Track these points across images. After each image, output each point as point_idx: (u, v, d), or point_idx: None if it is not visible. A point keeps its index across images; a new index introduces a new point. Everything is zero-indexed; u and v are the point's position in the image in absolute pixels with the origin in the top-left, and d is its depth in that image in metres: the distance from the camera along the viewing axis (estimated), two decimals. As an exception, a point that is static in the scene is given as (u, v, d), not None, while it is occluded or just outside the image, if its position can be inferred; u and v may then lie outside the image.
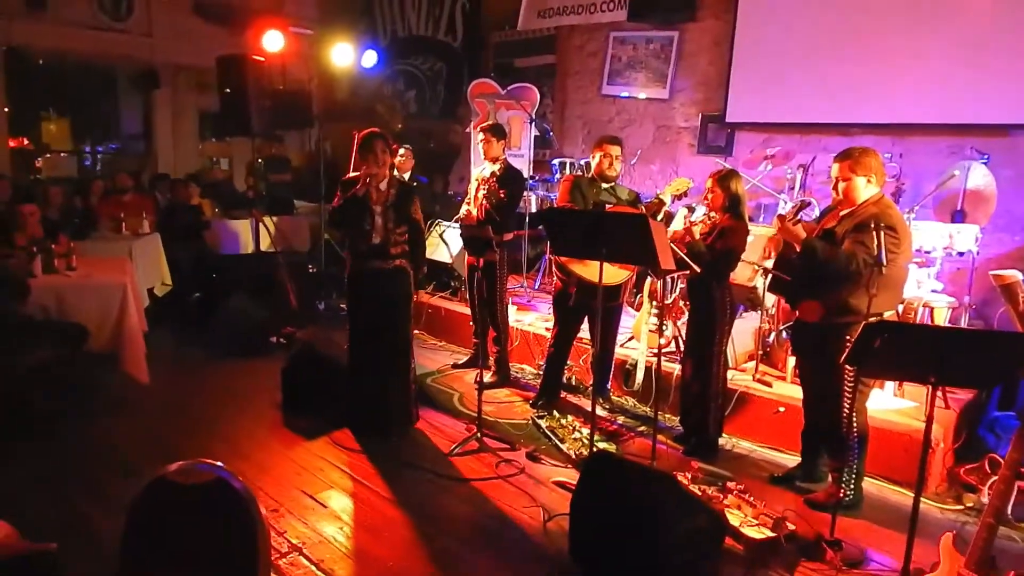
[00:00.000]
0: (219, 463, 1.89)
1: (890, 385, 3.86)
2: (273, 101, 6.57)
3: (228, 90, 6.15)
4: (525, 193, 5.69)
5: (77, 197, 6.77)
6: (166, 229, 6.36)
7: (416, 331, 5.65)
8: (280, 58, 7.34)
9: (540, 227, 6.74)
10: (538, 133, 7.11)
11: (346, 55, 7.34)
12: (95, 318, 4.01)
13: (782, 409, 3.79)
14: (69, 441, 3.61)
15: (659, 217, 3.69)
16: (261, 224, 6.29)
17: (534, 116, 6.68)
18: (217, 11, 9.16)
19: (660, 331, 3.75)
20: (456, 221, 5.51)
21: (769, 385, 4.03)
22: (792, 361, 4.03)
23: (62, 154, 10.20)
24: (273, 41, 6.59)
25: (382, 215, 3.56)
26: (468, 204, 4.71)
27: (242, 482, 1.86)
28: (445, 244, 5.92)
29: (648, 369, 4.22)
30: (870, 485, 3.31)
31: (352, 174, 3.81)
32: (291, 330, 5.37)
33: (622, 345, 4.56)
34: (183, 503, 1.76)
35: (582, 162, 6.33)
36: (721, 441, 3.80)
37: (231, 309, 5.36)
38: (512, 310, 5.19)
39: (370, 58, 7.56)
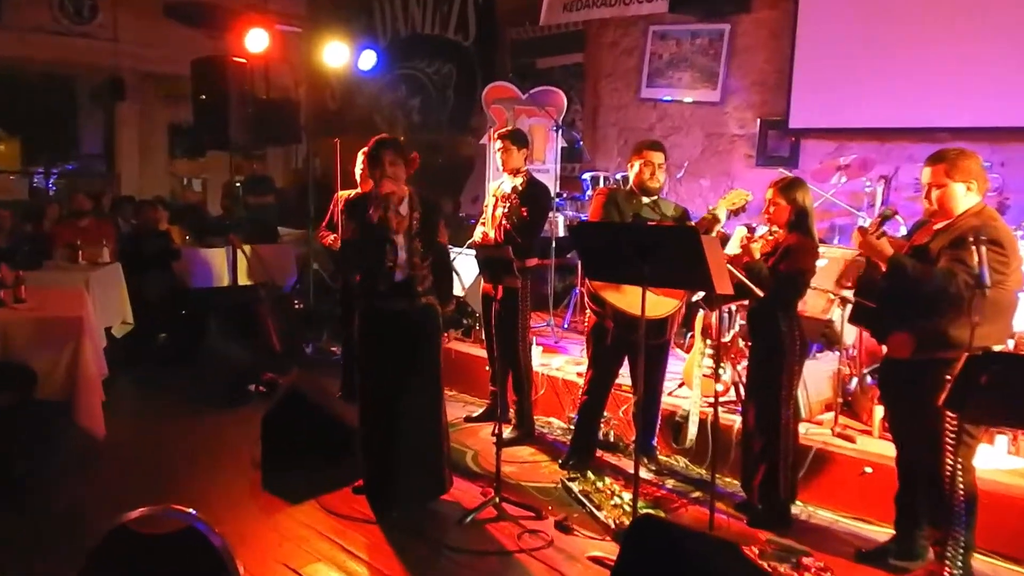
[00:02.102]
0: (191, 510, 1.88)
1: (1002, 439, 3.77)
2: (255, 110, 6.77)
3: (204, 97, 6.34)
4: (551, 214, 5.73)
5: (28, 223, 6.96)
6: (129, 258, 6.49)
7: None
8: (264, 60, 7.57)
9: (569, 255, 6.83)
10: (566, 144, 7.20)
11: (340, 56, 7.54)
12: (45, 360, 4.07)
13: (869, 470, 3.71)
14: (11, 505, 3.63)
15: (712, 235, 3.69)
16: (240, 252, 6.39)
17: (561, 124, 6.78)
18: (191, 11, 9.49)
19: (716, 376, 3.69)
20: (469, 246, 5.56)
21: (852, 441, 3.95)
22: (880, 411, 3.96)
23: (11, 176, 10.52)
24: (256, 40, 6.79)
25: (406, 247, 3.52)
26: (484, 224, 4.76)
27: (220, 536, 1.84)
28: (456, 274, 5.95)
29: (702, 422, 4.18)
30: (981, 563, 3.21)
31: (352, 192, 3.86)
32: (273, 376, 5.41)
33: (670, 393, 4.52)
34: (148, 557, 1.73)
35: (618, 176, 6.39)
36: (795, 510, 3.71)
37: (204, 352, 5.41)
38: (536, 352, 5.19)
39: (368, 60, 7.76)
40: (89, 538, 3.11)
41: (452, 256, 6.01)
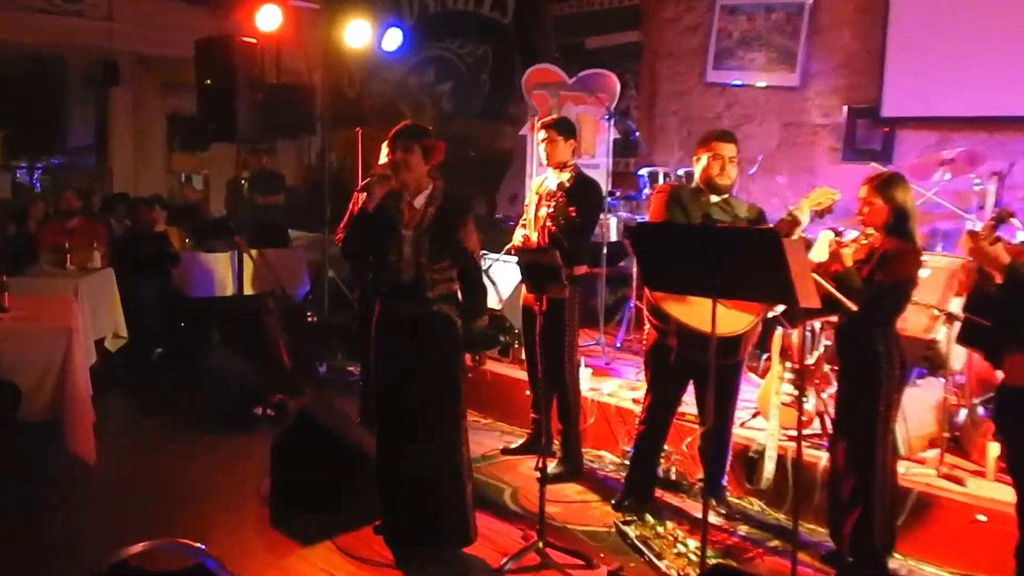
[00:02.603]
0: (199, 544, 1.90)
1: None
2: (264, 98, 6.89)
3: (208, 82, 6.47)
4: (602, 215, 5.74)
5: (11, 223, 7.16)
6: (122, 263, 6.63)
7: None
8: (275, 41, 7.71)
9: (622, 262, 6.80)
10: (619, 135, 7.20)
11: (361, 36, 7.64)
12: (31, 375, 4.17)
13: (982, 518, 3.62)
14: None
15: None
16: (246, 258, 6.49)
17: (613, 112, 6.79)
18: (195, -15, 9.72)
19: (798, 404, 3.64)
20: (508, 252, 5.58)
21: (961, 483, 3.87)
22: (995, 448, 3.87)
23: (-7, 171, 10.84)
24: (268, 18, 6.91)
25: (412, 243, 3.56)
26: (524, 227, 4.77)
27: (232, 574, 1.85)
28: (492, 284, 5.98)
29: (781, 458, 4.12)
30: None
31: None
32: (283, 398, 5.46)
33: (743, 424, 4.48)
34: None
35: (680, 172, 6.38)
36: (892, 563, 3.64)
37: (204, 370, 5.49)
38: (585, 375, 5.17)
39: (392, 40, 7.85)
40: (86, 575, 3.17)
41: (487, 263, 6.08)
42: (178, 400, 5.71)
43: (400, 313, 3.60)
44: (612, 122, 6.68)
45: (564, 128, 4.66)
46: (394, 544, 3.68)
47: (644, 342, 4.28)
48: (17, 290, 4.90)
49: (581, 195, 4.56)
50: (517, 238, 4.82)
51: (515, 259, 5.57)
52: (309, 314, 7.22)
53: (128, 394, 5.85)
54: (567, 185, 4.58)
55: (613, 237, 6.30)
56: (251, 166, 9.04)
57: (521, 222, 4.88)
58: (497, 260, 6.07)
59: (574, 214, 4.48)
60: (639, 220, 6.36)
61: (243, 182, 8.46)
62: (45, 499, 4.14)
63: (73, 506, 4.11)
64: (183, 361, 6.35)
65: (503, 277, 6.00)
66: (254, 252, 6.99)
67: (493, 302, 5.97)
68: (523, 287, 4.73)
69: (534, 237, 4.63)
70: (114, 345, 6.20)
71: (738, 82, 7.32)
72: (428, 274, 3.57)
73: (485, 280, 5.92)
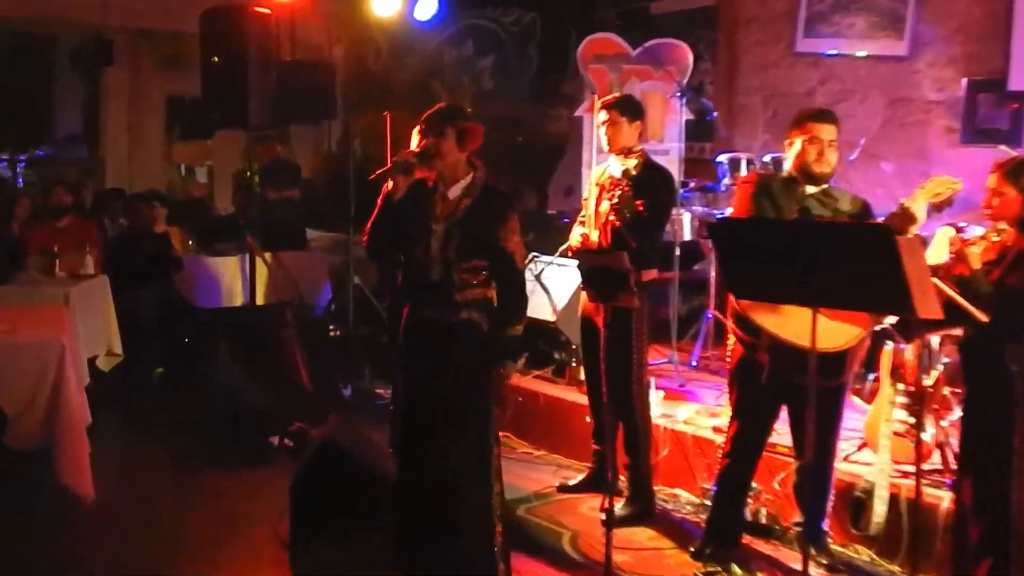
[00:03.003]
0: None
1: None
2: (279, 77, 6.99)
3: (215, 60, 6.57)
4: (674, 210, 5.73)
5: (-7, 222, 7.33)
6: (118, 269, 6.75)
7: (500, 432, 5.66)
8: (290, 11, 7.82)
9: (698, 265, 6.75)
10: (692, 116, 7.18)
11: (389, 4, 7.70)
12: (17, 397, 4.25)
13: None
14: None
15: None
16: (258, 262, 6.57)
17: (685, 89, 6.75)
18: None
19: (914, 435, 3.59)
20: (564, 253, 5.59)
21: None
22: None
23: (-29, 163, 11.12)
24: (284, -16, 7.02)
25: (441, 237, 3.63)
26: (583, 224, 4.77)
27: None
28: (545, 292, 6.00)
29: (893, 498, 4.06)
30: None
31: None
32: (303, 426, 5.51)
33: (847, 458, 4.41)
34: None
35: (766, 159, 6.34)
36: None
37: (212, 392, 5.56)
38: (657, 398, 5.14)
39: (426, 7, 7.91)
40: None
41: (538, 267, 6.09)
42: (182, 428, 5.76)
43: (425, 315, 3.69)
44: (684, 100, 6.66)
45: (628, 108, 4.64)
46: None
47: (727, 359, 4.24)
48: (0, 299, 5.01)
49: (650, 185, 4.53)
50: (575, 238, 4.81)
51: (573, 262, 5.62)
52: (332, 327, 7.28)
53: (125, 421, 5.93)
54: (633, 173, 4.56)
55: (687, 236, 6.25)
56: (262, 156, 9.13)
57: (579, 219, 4.87)
58: (551, 264, 6.07)
59: (642, 208, 4.45)
60: (719, 215, 6.32)
61: (253, 175, 8.56)
62: (34, 539, 4.21)
63: (66, 548, 4.17)
64: (187, 382, 6.43)
65: (558, 284, 6.00)
66: (267, 255, 7.09)
67: (547, 313, 5.99)
68: (582, 295, 4.71)
69: (595, 236, 4.61)
70: (108, 364, 6.28)
71: (834, 51, 7.25)
72: (456, 273, 3.61)
73: (536, 287, 6.07)
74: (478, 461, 3.67)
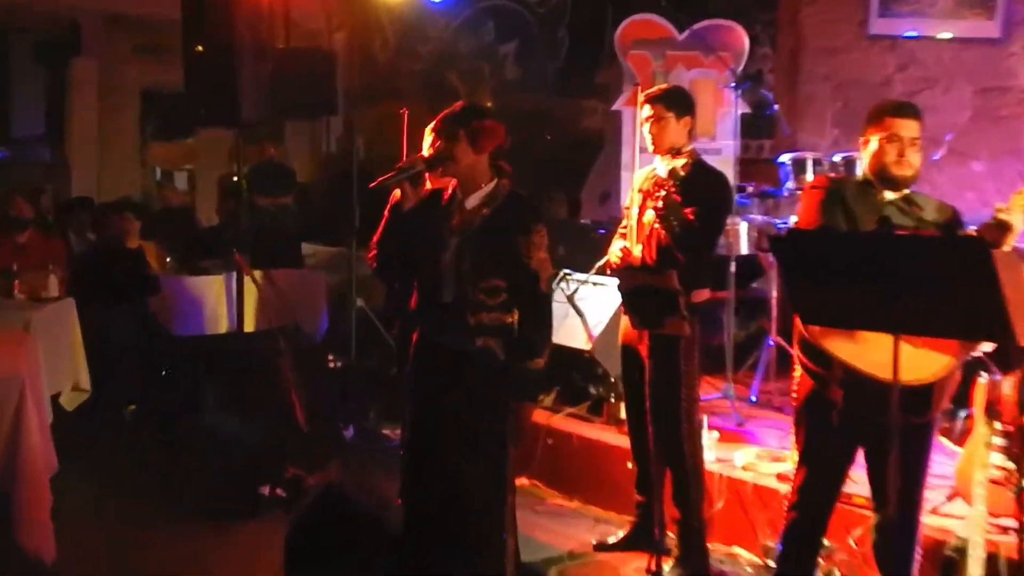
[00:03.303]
0: None
1: None
2: (273, 68, 7.02)
3: (199, 48, 6.61)
4: (730, 220, 5.70)
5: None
6: (85, 291, 6.77)
7: (526, 478, 5.67)
8: (284, -7, 7.88)
9: (755, 283, 6.71)
10: (749, 109, 7.17)
11: (398, -17, 7.76)
12: (-30, 440, 4.25)
13: None
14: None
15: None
16: (249, 280, 6.59)
17: (741, 78, 6.73)
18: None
19: (1015, 482, 3.55)
20: (601, 270, 5.57)
21: None
22: None
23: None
24: (277, -37, 7.08)
25: (455, 251, 3.70)
26: (624, 237, 4.75)
27: None
28: (578, 316, 5.99)
29: (991, 558, 3.97)
30: None
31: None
32: (298, 473, 5.51)
33: (935, 510, 4.36)
34: None
35: (837, 159, 6.31)
36: None
37: (195, 434, 5.56)
38: (710, 440, 5.11)
39: (440, -14, 7.97)
40: None
41: (571, 287, 6.07)
42: (159, 476, 5.74)
43: (437, 338, 3.77)
44: (739, 91, 6.62)
45: (676, 101, 4.61)
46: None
47: (793, 394, 4.19)
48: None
49: (702, 190, 4.49)
50: (614, 253, 4.77)
51: (612, 281, 5.60)
52: (331, 358, 7.29)
53: (92, 468, 5.89)
54: (681, 174, 4.52)
55: (744, 249, 6.20)
56: (252, 158, 9.18)
57: (619, 230, 4.84)
58: (585, 283, 6.06)
59: (692, 217, 4.43)
60: (781, 225, 6.28)
61: (241, 180, 8.60)
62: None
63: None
64: (166, 423, 6.42)
65: (594, 306, 5.99)
66: (258, 274, 7.09)
67: (580, 341, 5.98)
68: (623, 320, 4.69)
69: (638, 251, 4.57)
70: (73, 401, 6.24)
71: (914, 33, 7.24)
72: (472, 292, 3.66)
73: (569, 311, 6.05)
74: (495, 503, 3.74)
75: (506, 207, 3.73)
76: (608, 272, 5.16)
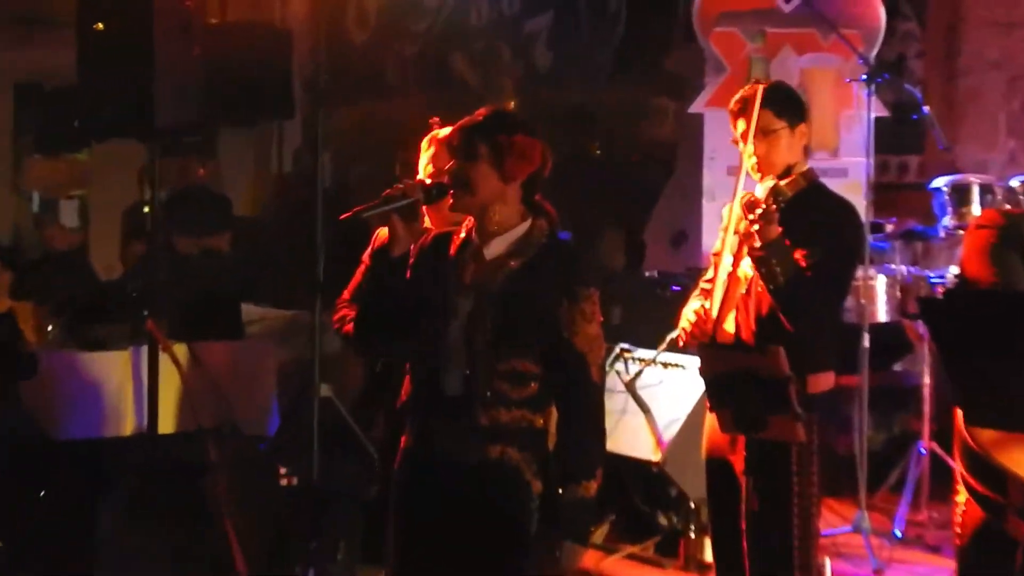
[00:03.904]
0: None
1: None
2: (204, 53, 7.07)
3: (99, 26, 6.67)
4: (860, 271, 5.72)
5: None
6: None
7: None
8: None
9: (899, 365, 6.68)
10: (885, 112, 7.20)
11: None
12: None
13: None
14: None
15: None
16: (163, 359, 6.62)
17: (875, 66, 6.75)
18: None
19: None
20: (675, 345, 5.56)
21: None
22: None
23: None
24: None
25: (467, 319, 3.67)
26: (707, 294, 4.73)
27: None
28: (643, 413, 5.99)
29: None
30: None
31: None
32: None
33: None
34: None
35: (1015, 183, 6.33)
36: None
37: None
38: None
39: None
40: None
41: (630, 370, 6.06)
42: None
43: (436, 447, 3.72)
44: (873, 86, 6.64)
45: (787, 104, 4.60)
46: None
47: (956, 528, 4.18)
48: None
49: (819, 225, 4.50)
50: (687, 318, 4.76)
51: (691, 361, 5.58)
52: (284, 471, 7.29)
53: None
54: (788, 194, 4.51)
55: (882, 315, 6.21)
56: (172, 182, 9.25)
57: (701, 286, 4.86)
58: (652, 363, 6.09)
59: (805, 261, 4.41)
60: (937, 280, 6.27)
61: (155, 213, 8.65)
62: None
63: None
64: (46, 565, 6.44)
65: (665, 399, 6.04)
66: (179, 349, 7.12)
67: (645, 449, 5.99)
68: (708, 419, 4.67)
69: (731, 320, 4.57)
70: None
71: None
72: (490, 379, 3.61)
73: (628, 405, 6.03)
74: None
75: (543, 259, 3.68)
76: (681, 344, 5.10)
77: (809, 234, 4.42)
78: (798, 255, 4.34)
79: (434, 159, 4.38)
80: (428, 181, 3.72)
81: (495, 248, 3.69)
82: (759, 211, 4.26)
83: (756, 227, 4.24)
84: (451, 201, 3.67)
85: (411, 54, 10.63)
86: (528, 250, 3.68)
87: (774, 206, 4.30)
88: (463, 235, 3.71)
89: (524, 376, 3.64)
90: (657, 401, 6.01)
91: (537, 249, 3.69)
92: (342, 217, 3.66)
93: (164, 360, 6.75)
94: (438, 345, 3.68)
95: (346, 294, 5.16)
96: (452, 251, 3.72)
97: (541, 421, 3.67)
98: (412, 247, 3.71)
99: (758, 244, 4.32)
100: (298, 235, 7.86)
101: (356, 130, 9.34)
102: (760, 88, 4.58)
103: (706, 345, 4.54)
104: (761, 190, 4.58)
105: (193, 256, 8.91)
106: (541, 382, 3.65)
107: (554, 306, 3.65)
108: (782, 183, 4.53)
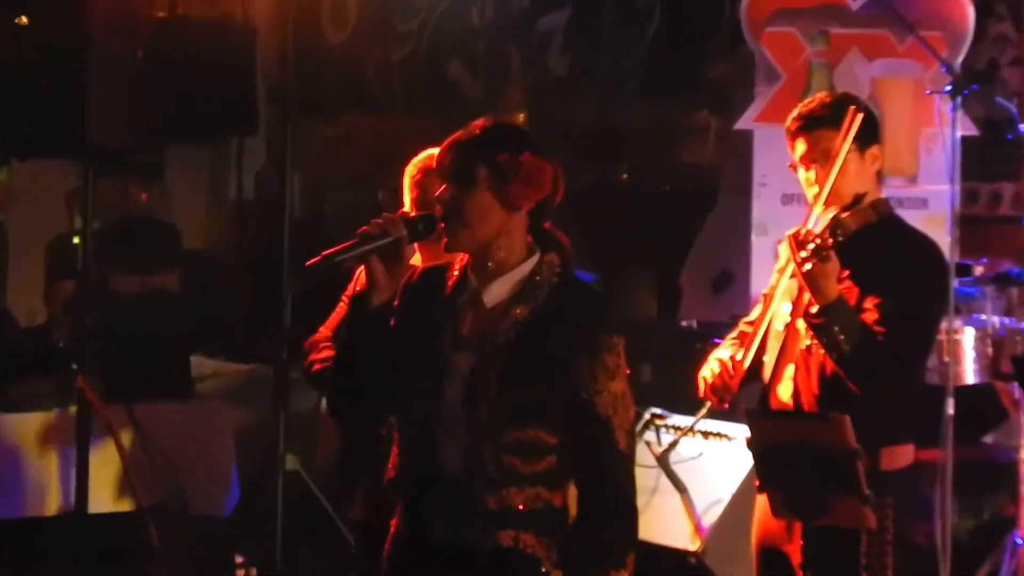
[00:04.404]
0: None
1: None
2: (150, 57, 7.08)
3: (23, 20, 6.69)
4: (944, 324, 5.72)
5: None
6: None
7: None
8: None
9: (989, 437, 6.67)
10: (974, 131, 7.26)
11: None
12: None
13: None
14: None
15: None
16: (97, 420, 6.61)
17: (961, 75, 6.76)
18: None
19: None
20: (714, 413, 5.58)
21: None
22: None
23: None
24: None
25: (467, 381, 3.61)
26: (742, 341, 4.80)
27: None
28: (677, 490, 6.00)
29: None
30: None
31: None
32: None
33: None
34: None
35: None
36: None
37: None
38: None
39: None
40: None
41: (664, 440, 6.07)
42: None
43: (434, 533, 3.65)
44: (959, 100, 6.65)
45: (863, 126, 4.64)
46: None
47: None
48: None
49: (895, 268, 4.50)
50: (711, 366, 4.77)
51: (736, 430, 5.59)
52: (241, 560, 7.28)
53: None
54: (851, 228, 4.51)
55: (970, 377, 6.21)
56: (108, 209, 9.27)
57: (740, 328, 4.91)
58: (688, 433, 6.10)
59: (876, 315, 4.42)
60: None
61: (86, 246, 8.66)
62: None
63: None
64: None
65: (704, 475, 6.05)
66: (114, 410, 7.12)
67: (682, 536, 5.98)
68: (758, 502, 4.68)
69: (789, 386, 4.57)
70: None
71: None
72: (497, 452, 3.56)
73: (660, 482, 6.02)
74: None
75: (555, 303, 3.61)
76: (717, 407, 5.04)
77: (880, 279, 4.44)
78: (867, 305, 4.37)
79: (419, 185, 4.41)
80: (412, 214, 3.65)
81: (497, 291, 3.64)
82: (810, 247, 4.21)
83: (807, 267, 4.22)
84: (444, 239, 3.60)
85: (399, 58, 10.64)
86: (537, 293, 3.62)
87: (830, 240, 4.24)
88: (455, 275, 3.66)
89: (539, 448, 3.57)
90: (696, 478, 6.00)
91: (548, 291, 3.63)
92: (309, 264, 3.50)
93: (97, 424, 6.75)
94: (432, 412, 3.60)
95: (320, 333, 5.18)
96: (444, 294, 3.67)
97: (561, 499, 3.61)
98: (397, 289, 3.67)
99: (814, 310, 4.33)
100: (261, 274, 7.84)
101: (332, 149, 9.36)
102: (812, 103, 4.64)
103: (757, 411, 4.55)
104: (820, 224, 4.57)
105: (133, 298, 8.93)
106: (560, 453, 3.59)
107: (571, 361, 3.58)
108: (844, 215, 4.53)
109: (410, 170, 4.26)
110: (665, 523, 5.98)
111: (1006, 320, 6.65)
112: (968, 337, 6.32)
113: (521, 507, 3.56)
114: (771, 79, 7.47)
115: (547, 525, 3.59)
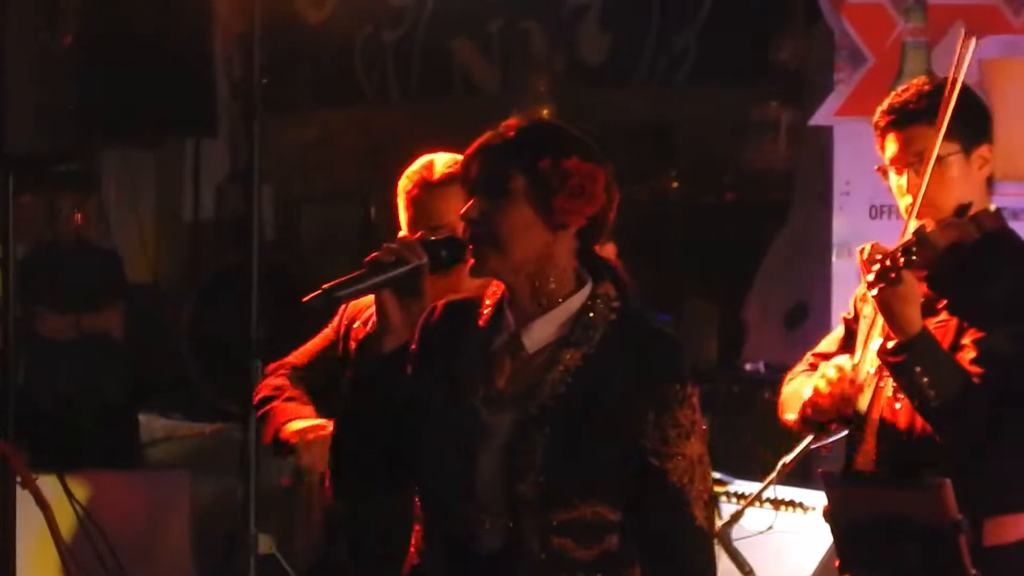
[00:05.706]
0: None
1: None
2: (80, 45, 7.14)
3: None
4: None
5: None
6: None
7: None
8: None
9: None
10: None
11: None
12: None
13: None
14: None
15: None
16: (27, 493, 6.70)
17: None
18: None
19: None
20: (789, 469, 5.68)
21: None
22: None
23: None
24: None
25: (504, 449, 3.51)
26: (818, 360, 4.79)
27: None
28: (736, 564, 6.04)
29: None
30: None
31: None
32: None
33: None
34: None
35: None
36: None
37: None
38: None
39: None
40: None
41: (727, 510, 6.15)
42: None
43: None
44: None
45: (962, 117, 4.69)
46: None
47: None
48: None
49: (1003, 296, 4.54)
50: (827, 375, 4.78)
51: (813, 498, 5.65)
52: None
53: None
54: (939, 245, 4.52)
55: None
56: (32, 232, 9.35)
57: (807, 359, 4.91)
58: (755, 503, 6.17)
59: (977, 353, 4.45)
60: None
61: (6, 279, 8.75)
62: None
63: None
64: None
65: (774, 553, 6.14)
66: (45, 481, 7.20)
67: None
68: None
69: (879, 438, 4.64)
70: None
71: None
72: (545, 534, 3.49)
73: (720, 561, 6.08)
74: None
75: (616, 348, 3.52)
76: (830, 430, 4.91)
77: (982, 309, 4.41)
78: (965, 340, 4.33)
79: (416, 202, 4.46)
80: (432, 237, 3.60)
81: (540, 333, 3.54)
82: (876, 267, 4.21)
83: (873, 292, 4.22)
84: (470, 263, 3.49)
85: (392, 39, 10.67)
86: (591, 333, 3.52)
87: (901, 259, 4.20)
88: (487, 311, 3.59)
89: (597, 527, 3.49)
90: (764, 556, 6.05)
91: (604, 331, 3.53)
92: (306, 300, 3.39)
93: (24, 498, 6.85)
94: (464, 486, 3.49)
95: (292, 357, 5.23)
96: (477, 333, 3.61)
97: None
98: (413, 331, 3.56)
99: (891, 344, 4.27)
100: (224, 310, 7.91)
101: (309, 155, 9.44)
102: (905, 92, 4.65)
103: (839, 475, 4.57)
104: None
105: (66, 342, 8.99)
106: (622, 533, 3.51)
107: (636, 419, 3.48)
108: (930, 228, 4.34)
109: (404, 183, 4.29)
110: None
111: None
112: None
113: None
114: (855, 63, 7.52)
115: None
